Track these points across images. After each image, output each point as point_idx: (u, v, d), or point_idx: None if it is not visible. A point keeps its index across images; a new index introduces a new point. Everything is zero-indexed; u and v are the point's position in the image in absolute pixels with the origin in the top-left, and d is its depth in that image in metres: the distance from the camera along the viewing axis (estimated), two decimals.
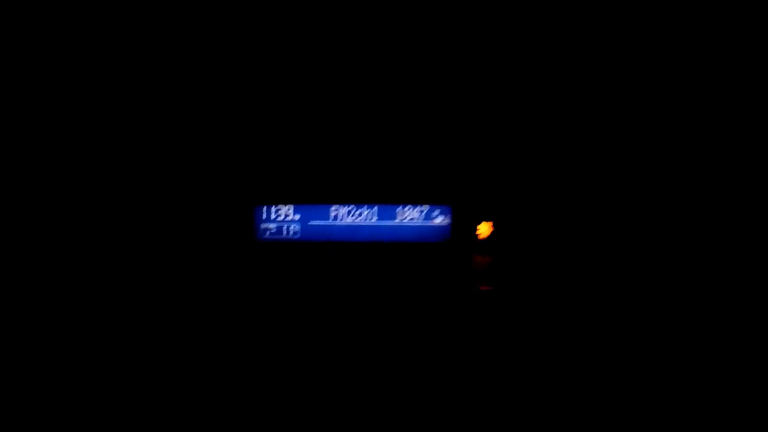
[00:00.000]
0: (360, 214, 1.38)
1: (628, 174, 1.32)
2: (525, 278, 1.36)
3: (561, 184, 1.36)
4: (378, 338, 1.28)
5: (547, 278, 1.34)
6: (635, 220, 1.31)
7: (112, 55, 1.28)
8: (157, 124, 1.36)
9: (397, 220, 1.38)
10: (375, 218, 1.38)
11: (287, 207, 1.39)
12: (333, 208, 1.38)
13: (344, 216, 1.38)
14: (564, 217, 1.35)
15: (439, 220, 1.37)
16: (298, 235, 1.40)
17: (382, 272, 1.37)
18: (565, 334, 1.25)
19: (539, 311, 1.29)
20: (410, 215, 1.37)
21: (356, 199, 1.38)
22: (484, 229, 1.39)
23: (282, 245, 1.41)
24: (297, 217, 1.39)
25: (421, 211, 1.37)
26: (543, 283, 1.33)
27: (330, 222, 1.39)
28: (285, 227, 1.40)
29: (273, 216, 1.40)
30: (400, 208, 1.37)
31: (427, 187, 1.37)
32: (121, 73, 1.30)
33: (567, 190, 1.35)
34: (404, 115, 1.36)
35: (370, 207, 1.37)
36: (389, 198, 1.37)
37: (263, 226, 1.41)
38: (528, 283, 1.35)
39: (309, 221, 1.39)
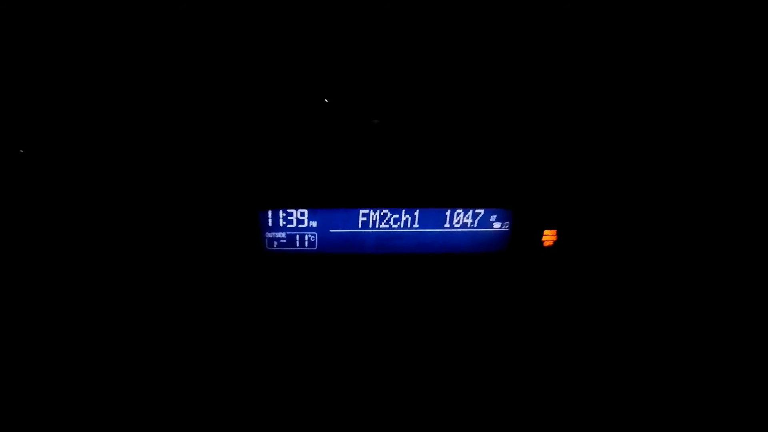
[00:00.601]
0: (397, 220, 1.07)
1: (706, 179, 1.05)
2: (594, 293, 1.13)
3: (636, 185, 1.08)
4: (422, 379, 1.05)
5: (620, 294, 1.11)
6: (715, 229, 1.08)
7: (109, 54, 0.87)
8: (148, 118, 0.95)
9: (445, 227, 1.08)
10: (417, 224, 1.07)
11: (300, 211, 1.05)
12: (362, 212, 1.05)
13: (376, 222, 1.06)
14: (637, 224, 1.10)
15: (498, 225, 1.09)
16: (315, 247, 1.08)
17: (424, 293, 1.11)
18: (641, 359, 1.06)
19: (611, 332, 1.08)
20: (462, 220, 1.07)
21: (392, 201, 1.05)
22: (548, 237, 1.12)
23: (294, 259, 1.09)
24: (313, 224, 1.06)
25: (476, 215, 1.07)
26: (615, 299, 1.11)
27: (358, 230, 1.07)
28: (298, 236, 1.07)
29: (282, 223, 1.06)
30: (449, 212, 1.06)
31: (482, 186, 1.06)
32: (119, 71, 0.88)
33: (642, 193, 1.08)
34: (454, 99, 1.00)
35: (410, 211, 1.06)
36: (435, 200, 1.06)
37: (269, 235, 1.07)
38: (598, 299, 1.12)
39: (329, 229, 1.07)
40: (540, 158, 1.08)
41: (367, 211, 1.05)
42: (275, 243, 1.08)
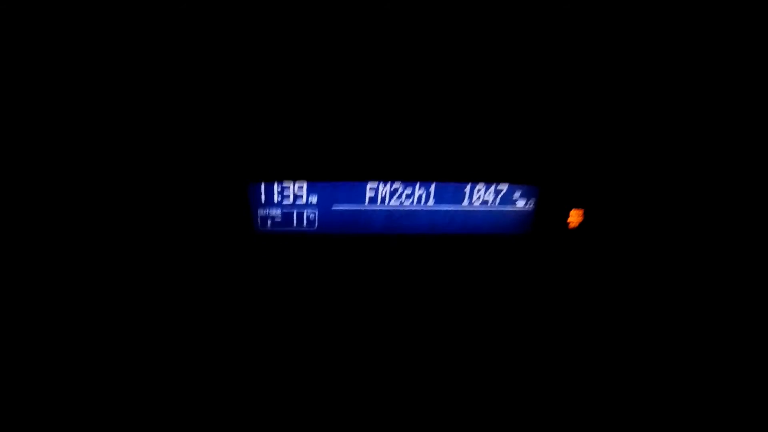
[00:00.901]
0: (410, 196, 0.93)
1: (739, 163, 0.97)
2: (624, 280, 1.02)
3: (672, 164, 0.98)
4: (436, 377, 0.92)
5: (650, 281, 1.01)
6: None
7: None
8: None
9: (463, 204, 0.95)
10: (432, 201, 0.94)
11: (298, 185, 0.91)
12: (369, 185, 0.92)
13: (386, 198, 0.93)
14: (672, 205, 1.00)
15: (521, 203, 0.97)
16: (315, 227, 0.94)
17: (439, 280, 0.98)
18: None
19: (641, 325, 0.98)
20: (482, 197, 0.95)
21: (404, 174, 0.92)
22: (574, 218, 1.01)
23: (291, 241, 0.95)
24: (313, 199, 0.92)
25: (498, 192, 0.95)
26: (646, 288, 1.01)
27: (364, 207, 0.93)
28: (295, 214, 0.93)
29: (277, 198, 0.92)
30: (469, 186, 0.94)
31: (504, 160, 0.94)
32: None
33: (678, 176, 0.99)
34: (480, 58, 0.88)
35: (425, 185, 0.93)
36: (452, 173, 0.93)
37: (262, 212, 0.92)
38: (628, 287, 1.02)
39: (332, 205, 0.93)
40: (568, 131, 0.96)
41: (375, 184, 0.92)
42: (269, 222, 0.94)
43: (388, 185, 0.92)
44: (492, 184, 0.94)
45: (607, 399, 0.94)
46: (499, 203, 0.96)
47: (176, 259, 0.94)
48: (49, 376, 0.86)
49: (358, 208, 0.94)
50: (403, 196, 0.93)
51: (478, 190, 0.94)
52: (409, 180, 0.92)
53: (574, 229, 1.02)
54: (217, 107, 0.86)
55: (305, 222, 0.94)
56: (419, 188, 0.93)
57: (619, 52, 0.90)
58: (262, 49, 0.85)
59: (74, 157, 0.86)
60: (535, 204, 0.98)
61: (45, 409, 0.85)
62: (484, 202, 0.96)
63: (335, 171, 0.91)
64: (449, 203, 0.95)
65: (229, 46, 0.83)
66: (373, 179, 0.92)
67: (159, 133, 0.86)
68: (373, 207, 0.94)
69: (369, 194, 0.93)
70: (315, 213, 0.93)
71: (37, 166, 0.85)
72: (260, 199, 0.91)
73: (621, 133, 0.97)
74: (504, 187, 0.95)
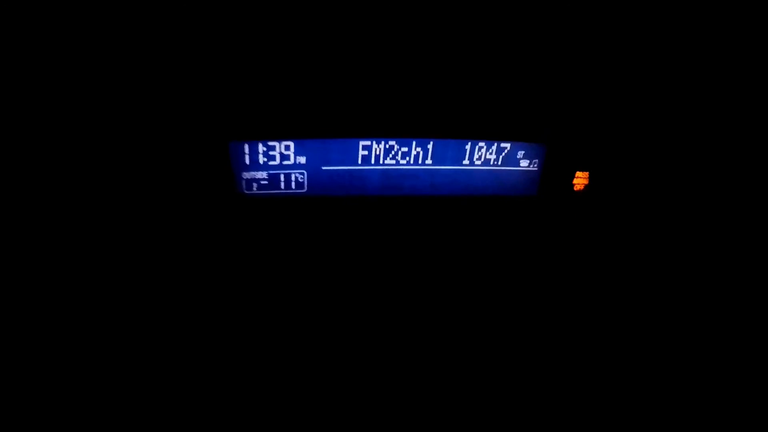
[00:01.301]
0: (406, 154, 0.87)
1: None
2: (628, 243, 0.97)
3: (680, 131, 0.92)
4: (434, 344, 0.87)
5: (654, 245, 0.96)
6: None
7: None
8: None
9: (464, 163, 0.88)
10: (430, 160, 0.87)
11: (284, 144, 0.84)
12: (362, 143, 0.85)
13: (380, 156, 0.86)
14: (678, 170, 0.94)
15: (525, 164, 0.90)
16: (305, 189, 0.87)
17: (438, 246, 0.92)
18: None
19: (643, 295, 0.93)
20: (484, 156, 0.88)
21: (400, 130, 0.85)
22: (579, 180, 0.95)
23: (278, 204, 0.88)
24: (302, 159, 0.85)
25: (501, 150, 0.89)
26: (649, 252, 0.96)
27: (357, 166, 0.86)
28: (283, 176, 0.86)
29: (262, 159, 0.84)
30: (469, 144, 0.87)
31: (508, 116, 0.88)
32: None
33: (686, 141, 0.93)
34: (476, 6, 0.80)
35: (423, 143, 0.86)
36: (453, 130, 0.86)
37: (247, 175, 0.85)
38: (633, 250, 0.96)
39: (322, 165, 0.86)
40: (576, 88, 0.89)
41: (368, 142, 0.85)
42: (254, 185, 0.86)
43: (383, 143, 0.85)
44: (494, 142, 0.87)
45: (609, 366, 0.89)
46: (502, 162, 0.90)
47: (159, 227, 0.86)
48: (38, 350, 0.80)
49: (351, 168, 0.87)
50: (399, 154, 0.87)
51: (480, 148, 0.88)
52: (405, 137, 0.85)
53: (580, 192, 0.96)
54: (195, 60, 0.78)
55: (294, 184, 0.87)
56: (416, 146, 0.86)
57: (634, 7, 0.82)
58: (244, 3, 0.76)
59: (49, 117, 0.77)
60: (541, 165, 0.91)
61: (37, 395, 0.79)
62: (486, 161, 0.89)
63: (325, 128, 0.83)
64: (449, 163, 0.88)
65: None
66: (366, 136, 0.85)
67: (133, 90, 0.78)
68: (366, 167, 0.87)
69: (362, 152, 0.86)
70: (304, 174, 0.86)
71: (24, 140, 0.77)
72: (244, 159, 0.84)
73: (630, 94, 0.91)
74: (507, 146, 0.88)
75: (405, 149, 0.86)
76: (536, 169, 0.91)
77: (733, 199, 0.95)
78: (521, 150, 0.89)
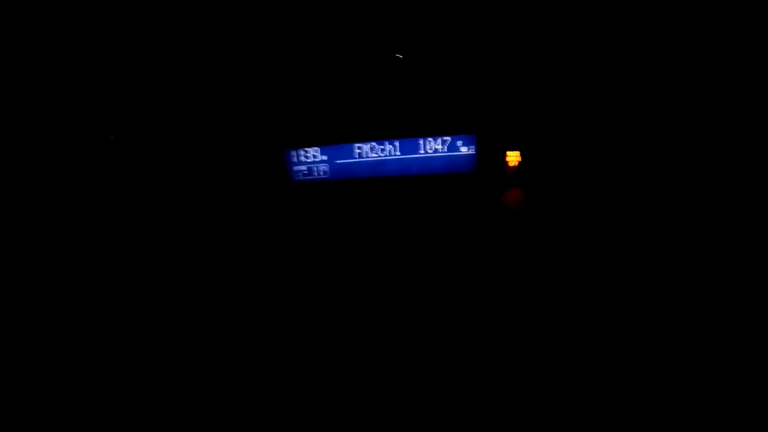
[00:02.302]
0: (383, 150, 1.38)
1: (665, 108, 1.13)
2: (556, 213, 1.28)
3: (593, 109, 1.21)
4: (406, 270, 1.33)
5: (579, 215, 1.25)
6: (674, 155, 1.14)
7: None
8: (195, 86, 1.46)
9: (420, 152, 1.36)
10: (398, 152, 1.37)
11: (314, 149, 1.43)
12: (357, 146, 1.39)
13: (368, 153, 1.39)
14: (598, 147, 1.23)
15: (465, 149, 1.33)
16: (327, 175, 1.45)
17: (410, 205, 1.39)
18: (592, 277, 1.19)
19: (567, 252, 1.23)
20: (433, 146, 1.34)
21: (378, 135, 1.37)
22: (513, 158, 1.31)
23: (313, 185, 1.48)
24: (324, 157, 1.44)
25: (444, 142, 1.33)
26: (573, 220, 1.26)
27: (355, 159, 1.41)
28: (315, 168, 1.46)
29: (302, 158, 1.46)
30: (422, 140, 1.34)
31: (448, 117, 1.32)
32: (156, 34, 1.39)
33: (600, 117, 1.21)
34: (416, 43, 1.28)
35: (392, 142, 1.36)
36: (411, 131, 1.34)
37: (295, 168, 1.48)
38: (559, 219, 1.28)
39: (335, 160, 1.43)
40: (499, 87, 1.29)
41: (360, 144, 1.39)
42: (299, 174, 1.49)
43: (368, 144, 1.39)
44: (438, 137, 1.33)
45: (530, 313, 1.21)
46: (448, 150, 1.34)
47: (240, 203, 1.55)
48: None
49: (351, 161, 1.42)
50: (378, 150, 1.39)
51: (429, 141, 1.34)
52: (380, 140, 1.37)
53: (515, 168, 1.33)
54: (264, 105, 1.45)
55: (321, 172, 1.46)
56: (388, 144, 1.37)
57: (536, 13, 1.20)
58: (290, 73, 1.41)
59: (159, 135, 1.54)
60: (476, 149, 1.33)
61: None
62: (436, 150, 1.35)
63: (335, 139, 1.41)
64: (410, 153, 1.37)
65: (266, 64, 1.41)
66: (357, 141, 1.39)
67: (226, 120, 1.49)
68: (360, 159, 1.41)
69: (357, 151, 1.41)
70: (326, 166, 1.45)
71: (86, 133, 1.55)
72: (292, 159, 1.47)
73: (543, 88, 1.26)
74: (448, 138, 1.33)
75: (382, 147, 1.38)
76: (473, 152, 1.32)
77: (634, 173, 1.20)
78: (459, 140, 1.32)
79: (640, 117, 1.18)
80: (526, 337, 1.14)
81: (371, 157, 1.40)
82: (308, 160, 1.46)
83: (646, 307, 1.12)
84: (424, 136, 1.33)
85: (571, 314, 1.15)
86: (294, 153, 1.46)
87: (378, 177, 1.41)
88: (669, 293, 1.10)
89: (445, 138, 1.32)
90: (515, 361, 1.10)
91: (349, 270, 1.38)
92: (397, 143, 1.36)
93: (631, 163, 1.20)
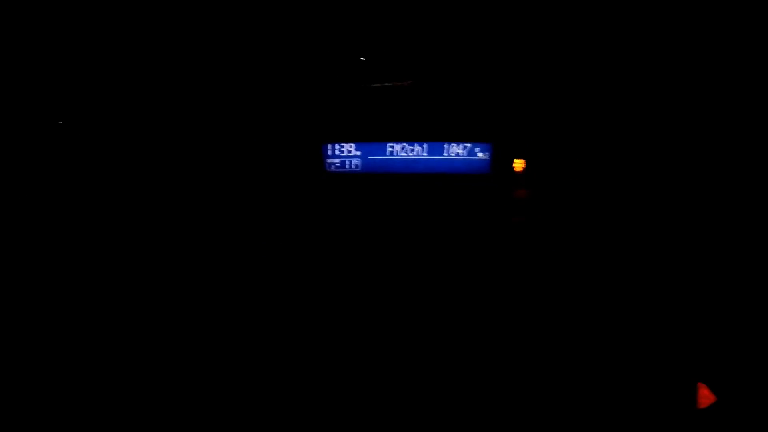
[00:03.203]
0: (413, 150, 1.62)
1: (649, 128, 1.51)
2: (552, 208, 1.60)
3: (585, 129, 1.57)
4: (428, 254, 1.56)
5: (572, 210, 1.58)
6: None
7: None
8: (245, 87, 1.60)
9: (444, 155, 1.61)
10: (426, 153, 1.62)
11: (350, 144, 1.63)
12: (389, 145, 1.62)
13: (399, 151, 1.62)
14: (588, 158, 1.58)
15: (481, 155, 1.61)
16: (360, 169, 1.65)
17: (432, 199, 1.63)
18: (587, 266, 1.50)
19: (565, 239, 1.55)
20: (456, 151, 1.61)
21: (409, 137, 1.61)
22: (519, 165, 1.62)
23: (345, 177, 1.66)
24: (358, 153, 1.64)
25: (465, 147, 1.60)
26: (568, 214, 1.58)
27: (387, 156, 1.63)
28: (348, 162, 1.65)
29: (338, 152, 1.64)
30: (447, 144, 1.60)
31: (471, 127, 1.60)
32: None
33: (589, 136, 1.57)
34: (449, 66, 1.57)
35: (422, 144, 1.61)
36: (438, 136, 1.60)
37: (329, 161, 1.66)
38: (555, 212, 1.59)
39: (368, 156, 1.63)
40: (512, 106, 1.60)
41: (393, 144, 1.62)
42: (332, 166, 1.67)
43: (400, 144, 1.62)
44: (461, 143, 1.60)
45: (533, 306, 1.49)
46: (467, 154, 1.61)
47: (280, 190, 1.69)
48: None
49: (383, 158, 1.64)
50: (408, 150, 1.62)
51: (453, 146, 1.61)
52: (411, 141, 1.61)
53: (520, 172, 1.64)
54: (308, 103, 1.62)
55: (354, 166, 1.66)
56: (417, 146, 1.62)
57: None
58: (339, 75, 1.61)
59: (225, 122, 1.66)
60: (491, 155, 1.61)
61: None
62: (457, 154, 1.61)
63: (370, 137, 1.62)
64: (436, 154, 1.62)
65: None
66: (391, 141, 1.62)
67: (278, 120, 1.64)
68: (392, 157, 1.63)
69: (389, 149, 1.63)
70: (360, 161, 1.65)
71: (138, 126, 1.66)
72: (328, 153, 1.65)
73: (554, 108, 1.59)
74: (469, 145, 1.60)
75: (412, 147, 1.62)
76: (488, 158, 1.61)
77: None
78: (477, 147, 1.60)
79: (631, 137, 1.55)
80: (532, 330, 1.40)
81: (401, 155, 1.63)
82: (343, 154, 1.65)
83: (644, 301, 1.43)
84: (450, 141, 1.60)
85: (570, 303, 1.44)
86: (329, 146, 1.64)
87: (405, 173, 1.64)
88: (668, 287, 1.43)
89: (466, 144, 1.60)
90: (520, 355, 1.29)
91: (376, 252, 1.57)
92: (425, 145, 1.61)
93: (622, 169, 1.56)
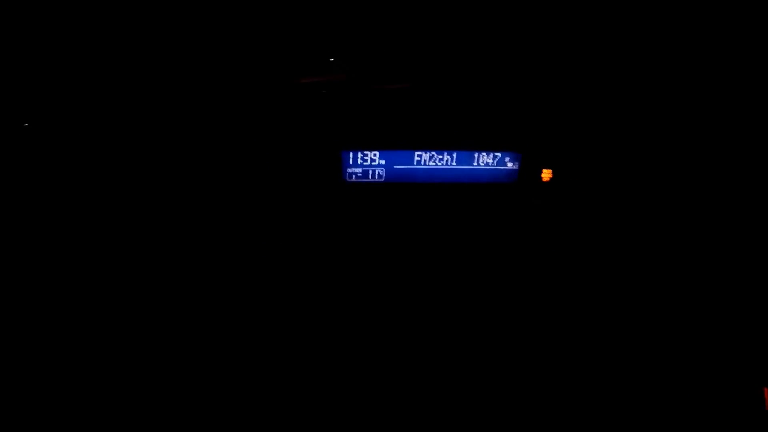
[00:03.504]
0: (441, 159, 1.53)
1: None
2: (578, 218, 1.60)
3: (611, 140, 1.57)
4: (455, 263, 1.51)
5: (596, 218, 1.59)
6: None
7: None
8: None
9: (473, 164, 1.54)
10: (454, 163, 1.53)
11: (374, 152, 1.51)
12: (417, 153, 1.51)
13: (426, 160, 1.53)
14: (614, 168, 1.58)
15: (510, 165, 1.55)
16: (383, 178, 1.54)
17: (459, 209, 1.57)
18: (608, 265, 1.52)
19: (592, 250, 1.55)
20: (485, 160, 1.54)
21: (438, 145, 1.52)
22: (546, 175, 1.59)
23: (367, 187, 1.55)
24: (382, 161, 1.52)
25: (495, 157, 1.54)
26: (592, 222, 1.59)
27: (413, 166, 1.53)
28: (371, 171, 1.53)
29: (360, 160, 1.52)
30: (477, 153, 1.53)
31: (500, 137, 1.53)
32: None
33: (616, 144, 1.57)
34: (479, 76, 1.48)
35: (451, 153, 1.52)
36: (468, 145, 1.52)
37: (349, 170, 1.53)
38: (580, 221, 1.59)
39: (394, 165, 1.53)
40: (541, 117, 1.55)
41: (420, 152, 1.52)
42: (353, 176, 1.54)
43: (428, 153, 1.52)
44: (491, 152, 1.54)
45: (560, 317, 1.49)
46: (496, 164, 1.55)
47: (293, 200, 1.54)
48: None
49: (410, 167, 1.53)
50: (437, 159, 1.53)
51: (482, 156, 1.54)
52: (439, 149, 1.52)
53: (547, 182, 1.61)
54: (330, 108, 1.47)
55: (377, 176, 1.54)
56: (446, 155, 1.53)
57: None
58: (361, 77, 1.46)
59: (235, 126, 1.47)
60: (519, 165, 1.56)
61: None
62: (486, 163, 1.55)
63: (396, 144, 1.51)
64: (465, 164, 1.54)
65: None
66: (419, 149, 1.52)
67: (291, 124, 1.48)
68: (418, 166, 1.53)
69: (416, 158, 1.52)
70: (383, 170, 1.53)
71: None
72: (348, 161, 1.52)
73: (577, 120, 1.56)
74: (499, 154, 1.54)
75: (440, 156, 1.53)
76: (516, 168, 1.56)
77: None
78: (507, 156, 1.54)
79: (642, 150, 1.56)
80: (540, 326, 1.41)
81: (429, 165, 1.53)
82: (365, 163, 1.52)
83: (648, 300, 1.48)
84: (480, 150, 1.53)
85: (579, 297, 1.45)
86: (351, 154, 1.51)
87: (432, 183, 1.56)
88: (672, 286, 1.48)
89: (496, 154, 1.54)
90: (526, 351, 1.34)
91: (400, 265, 1.50)
92: (454, 154, 1.53)
93: (636, 178, 1.58)
